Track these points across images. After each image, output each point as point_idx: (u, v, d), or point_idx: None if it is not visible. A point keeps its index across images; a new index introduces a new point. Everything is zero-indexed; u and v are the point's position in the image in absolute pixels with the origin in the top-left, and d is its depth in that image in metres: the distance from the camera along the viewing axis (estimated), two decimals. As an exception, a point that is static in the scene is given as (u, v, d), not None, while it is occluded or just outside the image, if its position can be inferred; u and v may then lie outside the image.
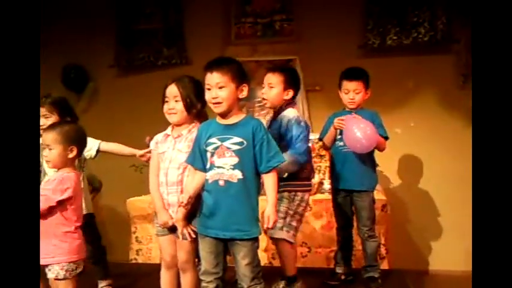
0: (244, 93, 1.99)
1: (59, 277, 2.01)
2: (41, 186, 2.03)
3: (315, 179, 3.46)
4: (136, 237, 3.63)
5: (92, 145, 2.61)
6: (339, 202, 2.83)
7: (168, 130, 2.27)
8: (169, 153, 2.20)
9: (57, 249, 2.01)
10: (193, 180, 2.06)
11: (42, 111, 2.55)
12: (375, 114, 2.79)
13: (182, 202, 2.02)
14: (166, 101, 2.22)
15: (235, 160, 1.93)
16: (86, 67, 4.39)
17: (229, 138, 1.95)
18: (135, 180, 3.70)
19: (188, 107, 2.17)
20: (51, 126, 2.17)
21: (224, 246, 2.00)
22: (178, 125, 2.22)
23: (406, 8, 3.80)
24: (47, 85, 4.27)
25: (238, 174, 1.93)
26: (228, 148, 1.94)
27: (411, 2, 3.80)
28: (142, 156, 2.50)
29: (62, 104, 2.65)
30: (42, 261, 1.96)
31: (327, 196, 3.33)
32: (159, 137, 2.29)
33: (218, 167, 1.95)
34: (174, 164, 2.17)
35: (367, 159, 2.74)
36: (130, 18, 4.29)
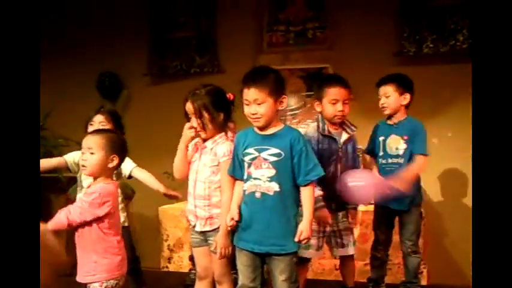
0: (284, 104, 1.95)
1: None
2: (79, 197, 1.95)
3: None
4: (168, 245, 3.64)
5: (127, 166, 2.62)
6: (383, 218, 2.71)
7: (208, 141, 2.22)
8: (196, 164, 2.18)
9: (98, 266, 1.90)
10: (235, 193, 2.01)
11: (100, 118, 2.60)
12: (419, 128, 2.66)
13: (232, 219, 1.96)
14: (190, 117, 2.17)
15: (272, 172, 1.88)
16: (120, 75, 4.46)
17: (266, 149, 1.91)
18: (168, 187, 3.72)
19: (204, 123, 2.10)
20: (96, 131, 2.07)
21: (261, 260, 1.96)
22: (205, 140, 2.17)
23: (443, 15, 3.69)
24: (84, 92, 4.43)
25: (275, 187, 1.88)
26: (265, 159, 1.90)
27: (449, 9, 3.69)
28: (166, 194, 2.52)
29: (116, 116, 2.71)
30: (82, 279, 1.91)
31: (362, 208, 3.26)
32: (194, 142, 2.27)
33: (255, 179, 1.91)
34: (201, 177, 2.15)
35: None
36: (163, 26, 4.34)
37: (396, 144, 2.66)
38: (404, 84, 2.69)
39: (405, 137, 2.65)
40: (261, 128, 1.96)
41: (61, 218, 1.88)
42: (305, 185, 1.90)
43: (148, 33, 4.39)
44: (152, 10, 4.36)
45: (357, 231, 3.25)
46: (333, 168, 2.40)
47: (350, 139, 2.47)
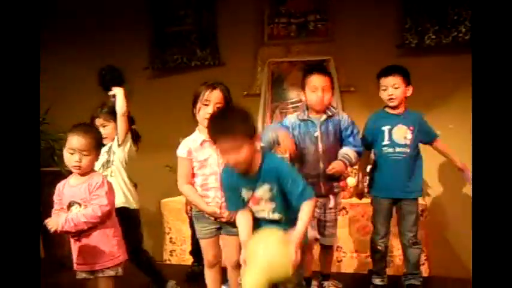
0: (259, 144, 1.95)
1: (119, 274, 2.08)
2: (95, 193, 2.04)
3: (351, 182, 3.40)
4: (170, 238, 3.65)
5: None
6: (384, 210, 2.71)
7: (202, 136, 2.23)
8: (214, 157, 2.18)
9: (119, 248, 2.09)
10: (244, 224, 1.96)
11: (99, 121, 2.61)
12: (422, 119, 2.74)
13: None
14: (206, 105, 2.19)
15: (272, 205, 1.89)
16: (120, 69, 4.45)
17: (258, 187, 1.89)
18: (169, 181, 3.72)
19: None
20: (85, 130, 2.11)
21: None
22: None
23: (445, 6, 3.66)
24: (84, 86, 4.42)
25: (277, 216, 1.91)
26: (261, 197, 1.90)
27: (451, 0, 3.66)
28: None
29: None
30: (103, 266, 2.03)
31: (363, 200, 3.26)
32: (190, 144, 2.25)
33: (257, 211, 1.94)
34: (211, 170, 2.19)
35: (416, 164, 2.69)
36: (164, 20, 4.32)
37: (404, 133, 2.68)
38: (408, 76, 2.72)
39: (411, 128, 2.69)
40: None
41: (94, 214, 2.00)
42: (301, 204, 1.85)
43: (148, 27, 4.37)
44: (152, 3, 4.34)
45: (358, 224, 3.27)
46: (314, 149, 2.53)
47: (330, 119, 2.56)
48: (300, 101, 2.83)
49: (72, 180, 2.10)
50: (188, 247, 3.40)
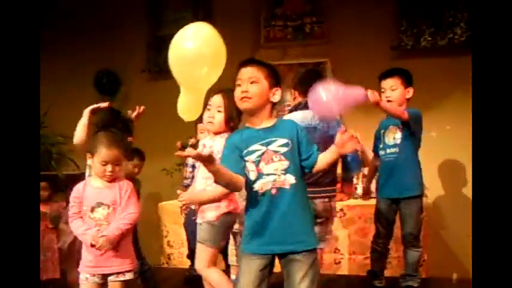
0: (276, 97, 1.80)
1: (133, 277, 2.10)
2: (126, 198, 2.07)
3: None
4: (168, 242, 3.64)
5: None
6: (384, 211, 2.73)
7: (205, 139, 2.34)
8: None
9: (133, 253, 2.12)
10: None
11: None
12: (414, 112, 2.70)
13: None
14: (208, 109, 2.25)
15: (286, 164, 1.74)
16: (117, 72, 4.45)
17: (273, 141, 1.75)
18: (167, 184, 3.72)
19: (227, 119, 2.20)
20: (116, 142, 2.10)
21: (270, 268, 1.78)
22: (215, 134, 2.25)
23: (441, 8, 3.70)
24: (82, 89, 4.41)
25: (290, 179, 1.73)
26: (276, 152, 1.75)
27: (446, 2, 3.69)
28: None
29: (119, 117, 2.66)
30: (128, 267, 2.06)
31: (361, 202, 3.27)
32: (201, 146, 2.38)
33: (268, 175, 1.73)
34: (202, 174, 2.21)
35: (411, 163, 2.67)
36: (161, 23, 4.33)
37: (393, 134, 2.71)
38: (408, 78, 2.74)
39: (400, 126, 2.69)
40: (251, 114, 1.82)
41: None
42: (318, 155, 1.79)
43: (145, 30, 4.38)
44: (149, 6, 4.34)
45: (356, 226, 3.27)
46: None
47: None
48: (299, 103, 2.80)
49: (96, 182, 2.08)
50: (186, 250, 3.38)
